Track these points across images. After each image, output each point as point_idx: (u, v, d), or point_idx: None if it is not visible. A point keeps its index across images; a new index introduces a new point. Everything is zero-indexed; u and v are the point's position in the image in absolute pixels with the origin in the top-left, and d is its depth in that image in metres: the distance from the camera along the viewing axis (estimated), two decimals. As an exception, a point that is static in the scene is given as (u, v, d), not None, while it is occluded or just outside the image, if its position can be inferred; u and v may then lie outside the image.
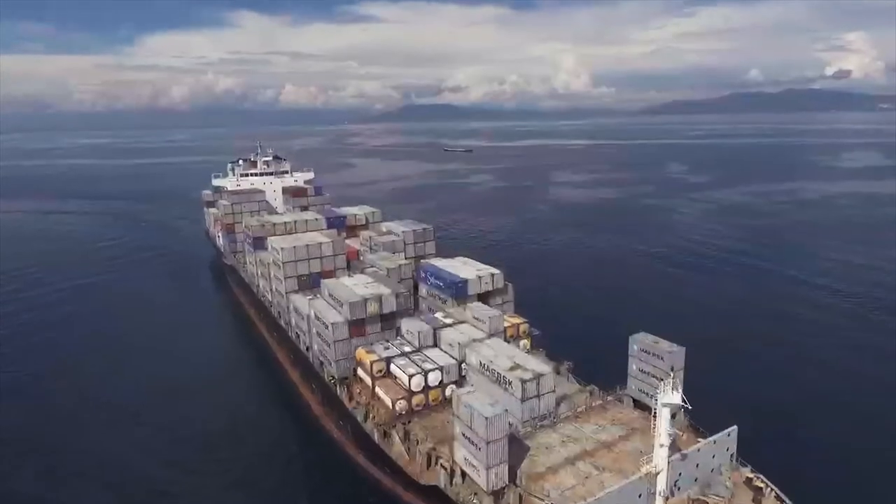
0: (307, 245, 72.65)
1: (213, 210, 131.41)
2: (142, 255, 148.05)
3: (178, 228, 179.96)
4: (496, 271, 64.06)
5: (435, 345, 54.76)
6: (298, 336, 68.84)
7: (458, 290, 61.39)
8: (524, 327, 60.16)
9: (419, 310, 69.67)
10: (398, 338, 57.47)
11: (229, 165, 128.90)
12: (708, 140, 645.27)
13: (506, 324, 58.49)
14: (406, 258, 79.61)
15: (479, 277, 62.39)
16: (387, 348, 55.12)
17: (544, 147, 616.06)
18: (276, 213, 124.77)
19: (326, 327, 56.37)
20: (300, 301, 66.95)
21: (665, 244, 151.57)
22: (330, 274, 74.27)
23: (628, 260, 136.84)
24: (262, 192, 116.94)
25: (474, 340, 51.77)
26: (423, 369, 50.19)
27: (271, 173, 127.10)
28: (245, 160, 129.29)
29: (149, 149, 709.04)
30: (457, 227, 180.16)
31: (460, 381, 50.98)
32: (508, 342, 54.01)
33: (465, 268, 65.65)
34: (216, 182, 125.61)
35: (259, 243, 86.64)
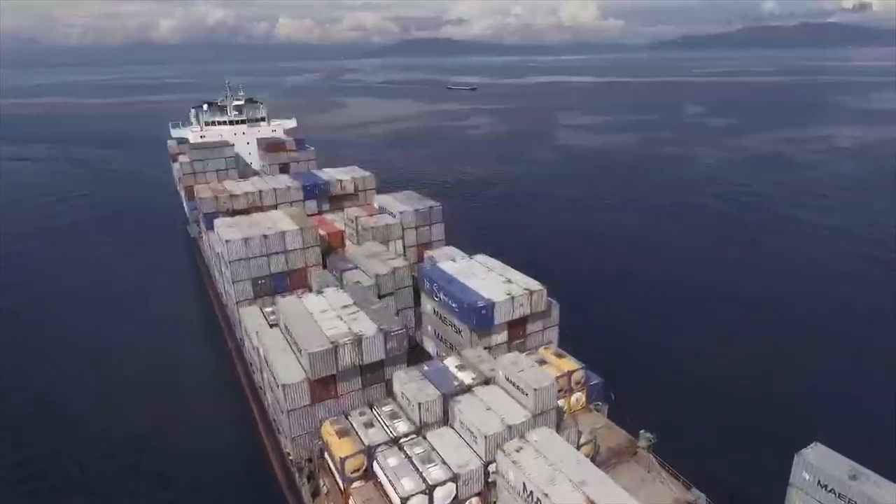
0: (264, 236, 50.68)
1: (176, 166, 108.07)
2: (106, 217, 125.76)
3: (154, 181, 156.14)
4: (536, 285, 42.25)
5: (447, 422, 34.06)
6: (255, 372, 48.43)
7: (480, 319, 39.93)
8: (578, 375, 39.31)
9: (421, 331, 48.67)
10: (388, 400, 36.77)
11: (192, 111, 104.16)
12: (724, 78, 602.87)
13: (552, 374, 37.77)
14: (405, 249, 57.93)
15: (512, 298, 40.86)
16: (369, 423, 34.47)
17: (552, 84, 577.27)
18: (253, 170, 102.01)
19: (277, 387, 35.52)
20: (250, 321, 45.85)
21: (702, 210, 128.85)
22: (299, 278, 52.78)
23: (664, 228, 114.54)
24: (230, 145, 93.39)
25: (511, 426, 31.04)
26: (425, 480, 29.64)
27: (243, 121, 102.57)
28: (211, 104, 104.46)
29: (136, 86, 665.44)
30: (459, 180, 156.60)
31: (486, 495, 30.72)
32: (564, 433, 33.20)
33: (488, 277, 43.80)
34: (175, 133, 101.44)
35: (211, 222, 64.81)
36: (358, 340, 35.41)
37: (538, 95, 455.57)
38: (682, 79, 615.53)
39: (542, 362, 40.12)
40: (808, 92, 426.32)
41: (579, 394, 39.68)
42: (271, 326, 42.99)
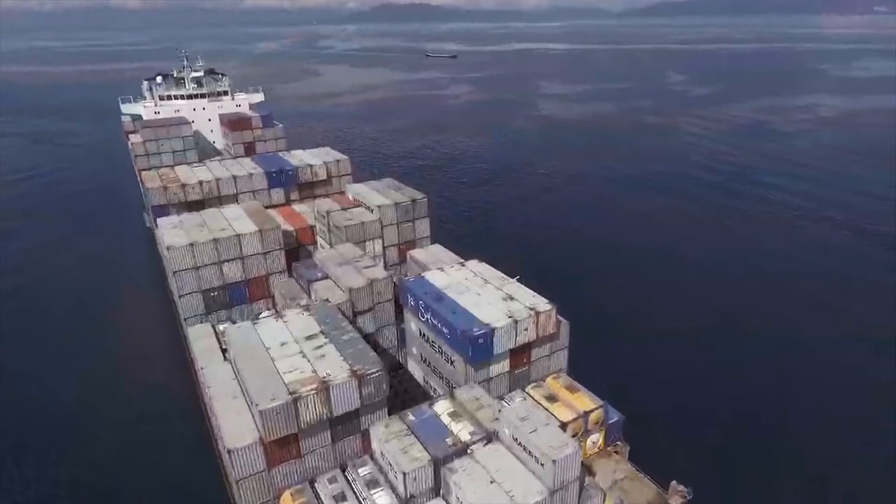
0: (215, 240, 42.00)
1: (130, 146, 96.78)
2: (55, 200, 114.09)
3: (115, 158, 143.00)
4: (543, 304, 34.61)
5: (439, 492, 26.78)
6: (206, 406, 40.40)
7: (477, 350, 32.37)
8: (597, 415, 32.20)
9: (405, 351, 41.01)
10: (365, 459, 29.29)
11: (145, 83, 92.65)
12: (703, 45, 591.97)
13: (566, 418, 30.67)
14: (384, 249, 49.70)
15: (515, 322, 33.31)
16: (341, 497, 27.02)
17: (530, 52, 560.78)
18: (216, 150, 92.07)
19: (227, 452, 27.74)
20: (200, 345, 37.67)
21: (690, 179, 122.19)
22: (260, 288, 44.40)
23: (657, 205, 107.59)
24: (188, 122, 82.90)
25: (524, 507, 23.91)
26: (417, 586, 22.47)
27: (203, 95, 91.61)
28: (167, 76, 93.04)
29: (96, 52, 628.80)
30: (440, 156, 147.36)
31: None
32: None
33: (484, 293, 36.04)
34: (126, 108, 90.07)
35: (161, 216, 55.66)
36: (325, 389, 27.59)
37: (517, 63, 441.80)
38: (661, 46, 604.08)
39: (552, 399, 32.90)
40: (788, 60, 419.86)
41: (597, 435, 32.68)
42: (224, 354, 35.07)
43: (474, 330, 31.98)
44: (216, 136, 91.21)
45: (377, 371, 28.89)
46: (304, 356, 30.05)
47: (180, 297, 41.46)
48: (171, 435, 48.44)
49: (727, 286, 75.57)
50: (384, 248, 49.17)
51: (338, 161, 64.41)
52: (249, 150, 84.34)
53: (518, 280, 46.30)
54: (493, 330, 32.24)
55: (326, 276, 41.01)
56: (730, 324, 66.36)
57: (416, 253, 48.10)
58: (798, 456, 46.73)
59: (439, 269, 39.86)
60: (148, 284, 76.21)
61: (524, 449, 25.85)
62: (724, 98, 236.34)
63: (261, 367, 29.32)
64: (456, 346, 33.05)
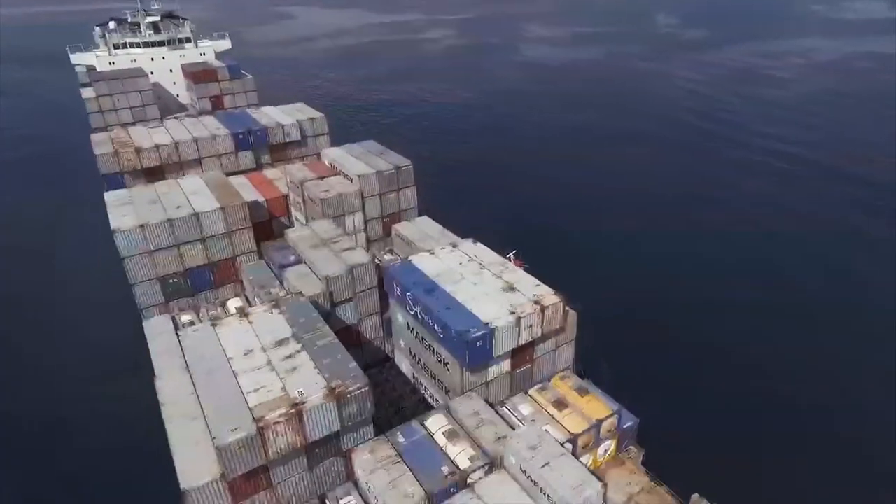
0: (170, 220, 36.32)
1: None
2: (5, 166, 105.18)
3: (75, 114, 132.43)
4: (550, 296, 29.73)
5: (436, 533, 22.81)
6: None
7: (475, 354, 27.83)
8: (611, 423, 28.33)
9: (392, 342, 36.48)
10: (347, 486, 25.18)
11: (96, 30, 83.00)
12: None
13: (577, 430, 26.78)
14: (366, 224, 44.34)
15: (518, 318, 28.79)
16: (323, 540, 23.18)
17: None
18: (180, 104, 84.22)
19: (182, 493, 23.33)
20: (158, 343, 32.75)
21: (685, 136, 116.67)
22: (226, 271, 39.12)
23: (656, 166, 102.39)
24: (145, 74, 74.61)
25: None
26: None
27: (163, 43, 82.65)
28: (120, 20, 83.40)
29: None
30: (422, 110, 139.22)
31: None
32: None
33: (482, 282, 30.97)
34: (76, 58, 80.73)
35: (114, 185, 49.35)
36: (297, 413, 23.04)
37: (498, 3, 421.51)
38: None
39: (560, 404, 28.88)
40: (779, 0, 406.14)
41: (609, 442, 28.91)
42: (186, 361, 30.19)
43: (472, 331, 27.38)
44: (179, 89, 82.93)
45: (360, 388, 24.31)
46: (273, 369, 25.30)
47: (133, 285, 36.11)
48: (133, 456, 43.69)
49: (744, 261, 71.26)
50: (366, 221, 43.79)
51: (313, 119, 57.74)
52: (217, 104, 76.75)
53: (515, 254, 41.64)
54: (492, 330, 27.69)
55: (300, 261, 35.82)
56: (750, 306, 62.57)
57: (402, 227, 42.93)
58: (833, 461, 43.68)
59: (429, 251, 34.81)
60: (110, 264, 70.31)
61: (535, 484, 21.82)
62: (715, 42, 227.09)
63: (221, 385, 24.58)
64: (450, 347, 28.52)
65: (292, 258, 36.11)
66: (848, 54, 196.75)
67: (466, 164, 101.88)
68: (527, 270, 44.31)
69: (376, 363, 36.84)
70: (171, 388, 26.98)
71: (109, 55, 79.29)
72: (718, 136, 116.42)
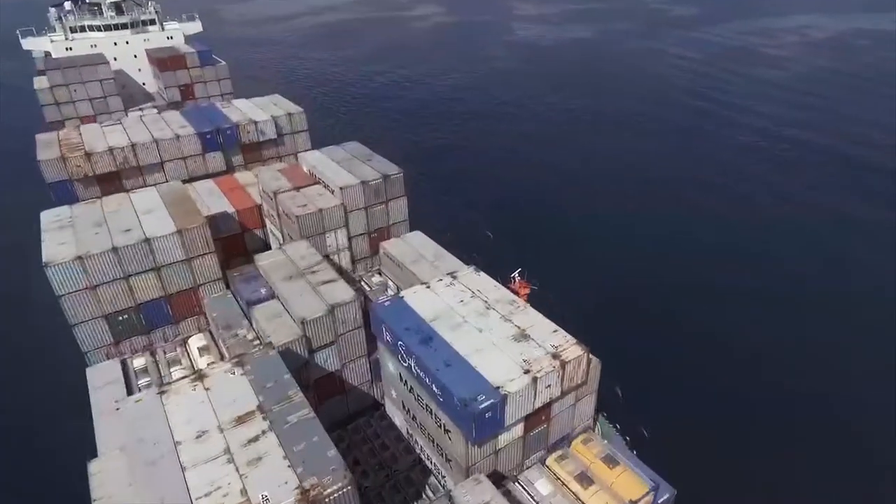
0: (114, 249, 30.50)
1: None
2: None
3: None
4: (572, 347, 24.33)
5: None
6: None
7: (482, 426, 22.66)
8: (647, 501, 23.52)
9: (382, 387, 31.25)
10: None
11: (51, 11, 75.14)
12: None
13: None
14: (350, 241, 38.75)
15: (535, 379, 23.65)
16: None
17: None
18: (146, 94, 77.41)
19: None
20: (98, 401, 27.36)
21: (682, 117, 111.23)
22: (186, 304, 33.41)
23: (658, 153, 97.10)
24: (106, 61, 67.42)
25: None
26: None
27: (126, 25, 75.10)
28: (78, 1, 75.64)
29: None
30: (409, 99, 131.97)
31: None
32: None
33: (488, 327, 25.38)
34: (28, 44, 72.97)
35: (62, 195, 43.22)
36: (261, 530, 17.84)
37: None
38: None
39: (584, 479, 23.98)
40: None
41: (642, 528, 24.10)
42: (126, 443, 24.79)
43: (479, 399, 22.20)
44: (145, 76, 75.84)
45: (342, 488, 19.11)
46: (231, 459, 19.97)
47: (73, 326, 30.40)
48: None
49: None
50: (349, 238, 38.18)
51: (290, 115, 51.41)
52: (187, 94, 70.13)
53: (519, 274, 36.66)
54: (504, 397, 22.57)
55: (272, 295, 30.29)
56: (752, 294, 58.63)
57: (392, 245, 37.42)
58: None
59: (424, 284, 29.41)
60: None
61: None
62: (707, 19, 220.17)
63: (164, 483, 19.21)
64: (452, 416, 23.35)
65: (263, 291, 30.53)
66: (844, 31, 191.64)
67: (457, 154, 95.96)
68: (533, 291, 39.31)
69: (363, 411, 31.74)
70: (106, 476, 21.69)
71: (66, 40, 71.82)
72: (713, 117, 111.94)
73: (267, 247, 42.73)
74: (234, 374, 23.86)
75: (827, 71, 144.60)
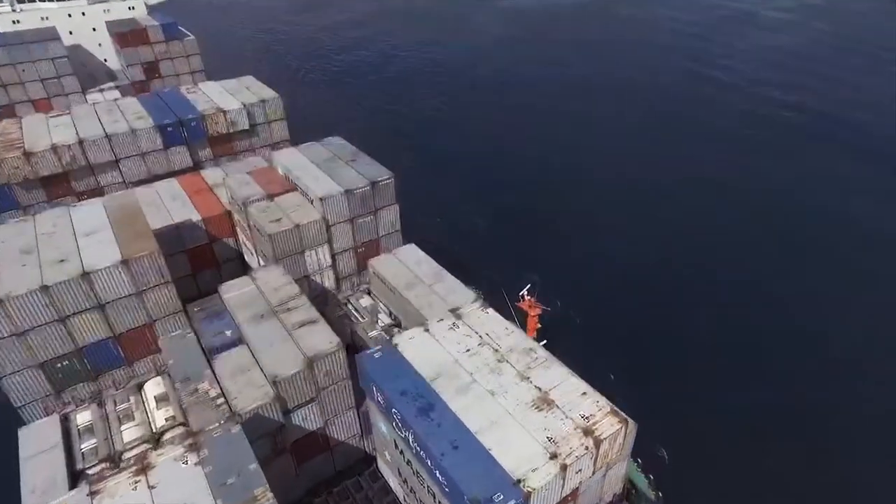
0: (44, 288, 25.07)
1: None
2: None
3: None
4: (610, 419, 19.76)
5: None
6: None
7: (500, 532, 18.41)
8: None
9: (374, 444, 26.56)
10: None
11: (-5, -23, 67.22)
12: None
13: None
14: (334, 259, 33.49)
15: (563, 466, 18.99)
16: None
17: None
18: (109, 71, 70.47)
19: None
20: (30, 472, 22.58)
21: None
22: (140, 343, 28.12)
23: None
24: (58, 37, 60.12)
25: None
26: None
27: (81, -6, 67.35)
28: (26, -34, 67.46)
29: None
30: (386, 56, 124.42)
31: None
32: None
33: (500, 386, 20.44)
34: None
35: (1, 201, 37.44)
36: None
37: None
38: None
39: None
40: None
41: None
42: (80, 475, 20.00)
43: (497, 502, 17.60)
44: (107, 51, 68.41)
45: None
46: None
47: (1, 378, 25.25)
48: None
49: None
50: (333, 255, 32.96)
51: (265, 101, 45.24)
52: (152, 73, 63.28)
53: (528, 290, 32.01)
54: (528, 495, 17.93)
55: (239, 339, 25.20)
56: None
57: (382, 263, 32.19)
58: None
59: (422, 326, 24.42)
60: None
61: None
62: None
63: None
64: (459, 513, 18.80)
65: (228, 334, 25.43)
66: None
67: (448, 134, 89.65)
68: (544, 311, 34.80)
69: (352, 466, 27.17)
70: None
71: (13, 12, 64.10)
72: (712, 83, 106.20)
73: (240, 256, 37.54)
74: (186, 463, 18.99)
75: (827, 34, 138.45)
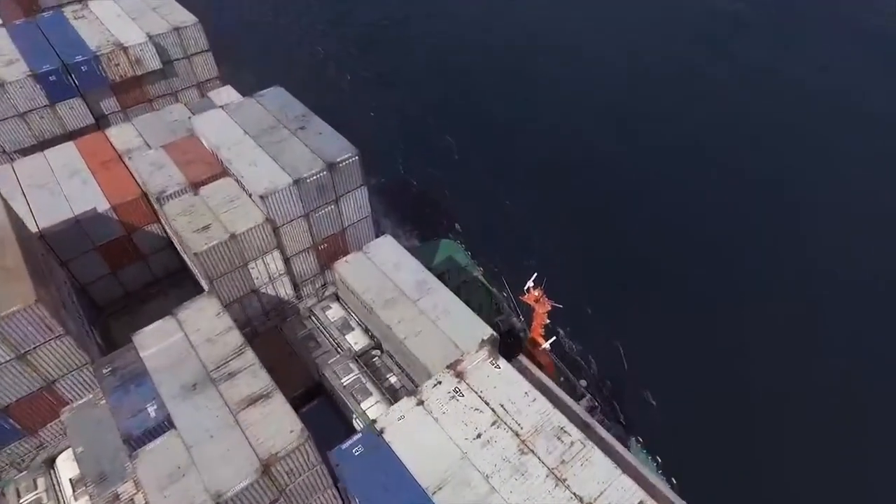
0: None
1: None
2: None
3: None
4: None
5: None
6: None
7: None
8: None
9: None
10: None
11: None
12: None
13: None
14: (288, 264, 25.93)
15: None
16: None
17: None
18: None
19: None
20: None
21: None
22: (40, 410, 21.02)
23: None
24: None
25: None
26: None
27: None
28: None
29: None
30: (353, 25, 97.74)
31: None
32: None
33: (524, 491, 15.69)
34: None
35: None
36: None
37: None
38: None
39: None
40: None
41: None
42: None
43: None
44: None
45: None
46: None
47: None
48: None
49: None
50: (286, 260, 25.48)
51: (179, 30, 34.33)
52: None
53: (534, 281, 26.61)
54: None
55: (166, 422, 18.52)
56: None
57: (349, 268, 25.14)
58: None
59: (415, 398, 18.12)
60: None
61: None
62: None
63: None
64: None
65: (151, 413, 18.63)
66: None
67: (433, 128, 66.78)
68: (554, 307, 29.36)
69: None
70: None
71: None
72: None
73: (170, 245, 29.58)
74: None
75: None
